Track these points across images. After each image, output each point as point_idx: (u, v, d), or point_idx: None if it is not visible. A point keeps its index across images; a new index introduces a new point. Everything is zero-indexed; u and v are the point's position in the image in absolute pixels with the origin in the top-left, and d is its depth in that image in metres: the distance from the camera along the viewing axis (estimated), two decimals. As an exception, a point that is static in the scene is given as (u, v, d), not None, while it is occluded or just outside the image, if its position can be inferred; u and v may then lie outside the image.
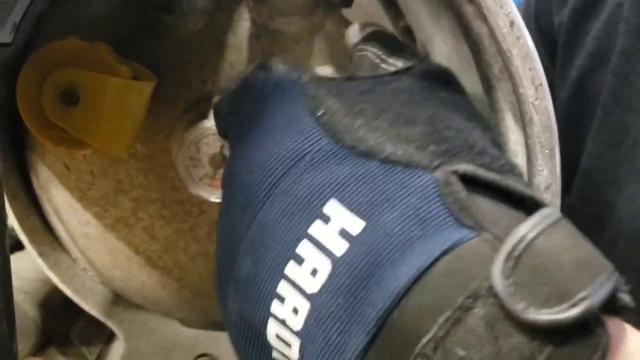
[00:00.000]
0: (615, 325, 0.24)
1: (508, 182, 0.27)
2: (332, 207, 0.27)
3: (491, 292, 0.23)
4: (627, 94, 0.56)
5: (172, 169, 0.49)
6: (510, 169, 0.29)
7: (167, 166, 0.49)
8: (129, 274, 0.53)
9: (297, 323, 0.27)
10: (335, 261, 0.26)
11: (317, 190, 0.28)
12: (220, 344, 0.56)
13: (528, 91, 0.35)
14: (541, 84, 0.35)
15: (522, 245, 0.24)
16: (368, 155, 0.28)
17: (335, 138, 0.29)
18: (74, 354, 0.57)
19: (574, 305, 0.23)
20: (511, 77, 0.36)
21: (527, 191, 0.27)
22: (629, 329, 0.25)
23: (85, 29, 0.46)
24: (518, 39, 0.35)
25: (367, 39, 0.38)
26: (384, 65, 0.35)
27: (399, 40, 0.39)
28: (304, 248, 0.27)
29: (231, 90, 0.36)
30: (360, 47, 0.38)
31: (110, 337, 0.60)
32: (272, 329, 0.29)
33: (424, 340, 0.24)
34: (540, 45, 0.67)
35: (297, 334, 0.28)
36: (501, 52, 0.36)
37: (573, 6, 0.64)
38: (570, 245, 0.25)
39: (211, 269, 0.52)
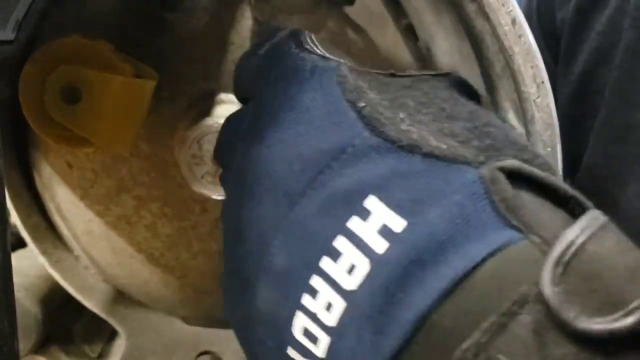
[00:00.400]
0: None
1: (553, 179, 0.26)
2: (373, 204, 0.27)
3: (540, 298, 0.22)
4: (632, 90, 0.56)
5: (174, 166, 0.49)
6: (549, 167, 0.28)
7: (169, 164, 0.49)
8: (131, 272, 0.53)
9: (331, 319, 0.27)
10: (375, 260, 0.26)
11: (358, 186, 0.27)
12: (223, 341, 0.56)
13: (530, 89, 0.35)
14: (543, 82, 0.35)
15: (572, 250, 0.23)
16: (411, 149, 0.27)
17: (377, 131, 0.28)
18: (76, 351, 0.57)
19: (628, 314, 0.21)
20: (513, 75, 0.36)
21: (571, 190, 0.26)
22: None
23: (88, 26, 0.46)
24: (520, 37, 0.35)
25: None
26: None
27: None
28: (342, 244, 0.27)
29: (258, 52, 0.35)
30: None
31: (112, 334, 0.60)
32: (300, 322, 0.28)
33: (465, 345, 0.22)
34: (542, 41, 0.67)
35: (328, 330, 0.27)
36: (503, 50, 0.36)
37: (577, 2, 0.64)
38: (620, 251, 0.23)
39: (213, 267, 0.52)
